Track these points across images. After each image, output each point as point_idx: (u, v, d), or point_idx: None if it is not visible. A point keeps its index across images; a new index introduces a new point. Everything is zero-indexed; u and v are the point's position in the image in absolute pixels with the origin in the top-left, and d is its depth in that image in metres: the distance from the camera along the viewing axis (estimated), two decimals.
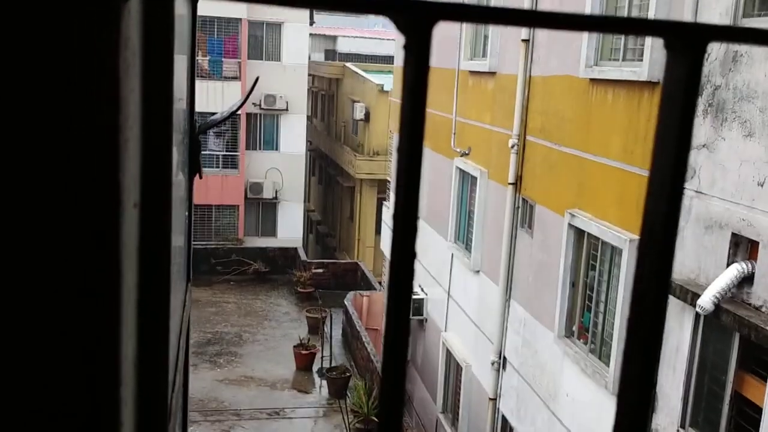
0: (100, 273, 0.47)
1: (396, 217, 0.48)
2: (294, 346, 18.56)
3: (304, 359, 18.30)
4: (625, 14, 8.35)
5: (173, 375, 1.20)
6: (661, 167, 0.53)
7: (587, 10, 8.78)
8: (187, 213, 1.79)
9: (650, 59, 7.55)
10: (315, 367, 18.40)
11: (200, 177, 1.87)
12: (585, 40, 8.87)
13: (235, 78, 26.16)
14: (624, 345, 0.55)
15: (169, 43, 0.72)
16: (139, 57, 0.60)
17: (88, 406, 0.47)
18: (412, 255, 0.47)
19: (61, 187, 0.45)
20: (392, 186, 18.27)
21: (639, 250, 0.54)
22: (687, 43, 0.51)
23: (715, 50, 6.70)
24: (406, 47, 0.47)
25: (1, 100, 0.44)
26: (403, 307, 0.48)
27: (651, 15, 7.56)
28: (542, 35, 10.23)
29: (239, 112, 25.79)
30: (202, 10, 27.92)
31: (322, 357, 18.34)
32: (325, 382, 17.51)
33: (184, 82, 1.65)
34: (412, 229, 0.47)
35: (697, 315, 6.65)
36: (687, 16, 7.01)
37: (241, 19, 25.94)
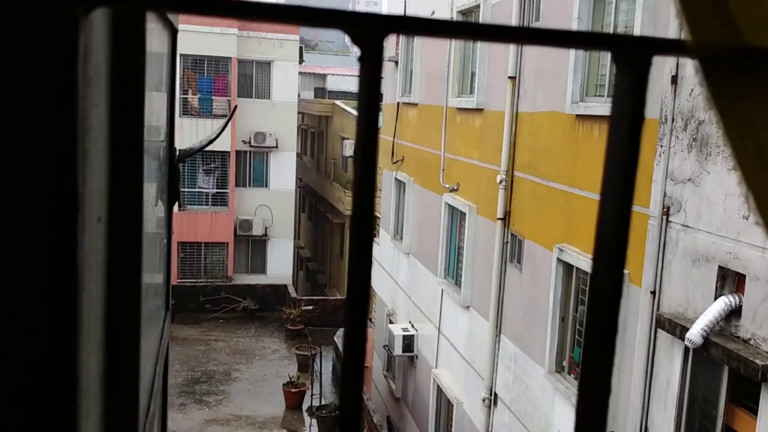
0: (57, 282, 0.48)
1: (353, 219, 0.49)
2: (283, 385, 18.37)
3: (294, 398, 18.10)
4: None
5: (147, 400, 1.19)
6: (612, 177, 0.55)
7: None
8: (166, 240, 1.80)
9: None
10: (305, 406, 18.18)
11: (180, 206, 1.88)
12: (570, 76, 8.99)
13: (225, 116, 26.30)
14: (582, 353, 0.56)
15: (140, 62, 0.73)
16: (105, 74, 0.61)
17: (44, 411, 0.47)
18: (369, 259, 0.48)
19: (15, 194, 0.46)
20: (381, 218, 18.13)
21: (593, 263, 0.55)
22: (634, 55, 0.52)
23: (699, 86, 6.80)
24: (360, 59, 0.49)
25: None
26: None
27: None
28: (529, 72, 10.37)
29: (229, 149, 25.90)
30: (192, 49, 27.88)
31: (312, 395, 18.14)
32: (315, 421, 17.29)
33: (163, 110, 1.67)
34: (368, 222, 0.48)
35: (687, 349, 6.64)
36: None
37: (231, 58, 26.19)
